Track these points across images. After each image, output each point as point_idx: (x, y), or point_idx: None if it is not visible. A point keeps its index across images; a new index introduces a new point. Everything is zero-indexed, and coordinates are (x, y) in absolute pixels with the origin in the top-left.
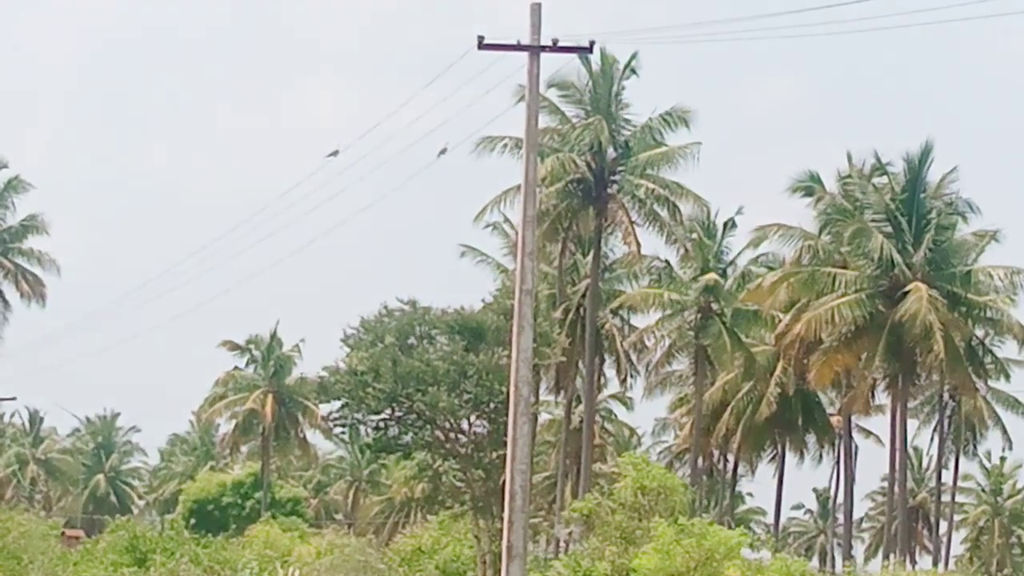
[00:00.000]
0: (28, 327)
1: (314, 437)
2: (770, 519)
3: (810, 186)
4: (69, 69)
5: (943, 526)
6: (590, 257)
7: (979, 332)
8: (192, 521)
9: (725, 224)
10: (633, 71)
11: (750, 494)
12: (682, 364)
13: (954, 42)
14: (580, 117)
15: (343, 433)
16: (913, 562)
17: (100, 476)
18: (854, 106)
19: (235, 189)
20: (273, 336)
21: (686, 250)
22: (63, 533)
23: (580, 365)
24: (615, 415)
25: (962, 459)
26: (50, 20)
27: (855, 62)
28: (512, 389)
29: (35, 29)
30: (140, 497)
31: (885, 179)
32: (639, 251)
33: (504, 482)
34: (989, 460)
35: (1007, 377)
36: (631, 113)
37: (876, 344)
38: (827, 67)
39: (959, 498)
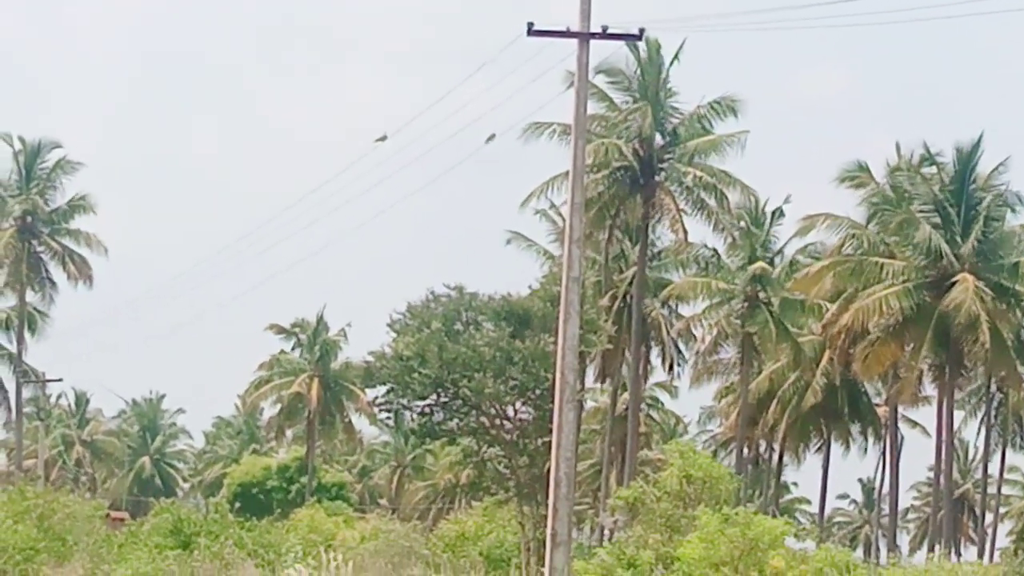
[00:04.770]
0: (75, 308)
1: (359, 422)
2: (815, 509)
3: (858, 176)
4: (121, 54)
5: (988, 518)
6: (637, 245)
7: None
8: (237, 504)
9: (773, 213)
10: (676, 58)
11: (795, 483)
12: (728, 353)
13: (1009, 31)
14: (628, 103)
15: (388, 418)
16: (958, 553)
17: (145, 458)
18: (904, 96)
19: (283, 175)
20: (319, 320)
21: (733, 239)
22: (108, 515)
23: (626, 353)
24: (661, 403)
25: (1008, 451)
26: (103, 7)
27: (906, 51)
28: (558, 376)
29: (87, 16)
30: (185, 480)
31: (934, 169)
32: (686, 239)
33: (549, 469)
34: None
35: None
36: (679, 101)
37: (923, 335)
38: (878, 56)
39: (1005, 490)
